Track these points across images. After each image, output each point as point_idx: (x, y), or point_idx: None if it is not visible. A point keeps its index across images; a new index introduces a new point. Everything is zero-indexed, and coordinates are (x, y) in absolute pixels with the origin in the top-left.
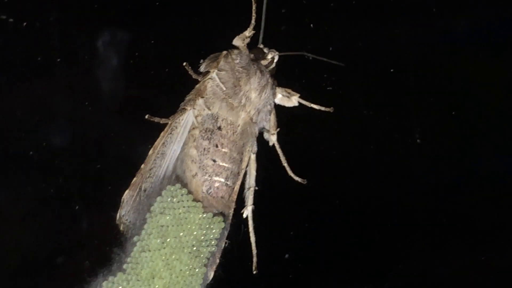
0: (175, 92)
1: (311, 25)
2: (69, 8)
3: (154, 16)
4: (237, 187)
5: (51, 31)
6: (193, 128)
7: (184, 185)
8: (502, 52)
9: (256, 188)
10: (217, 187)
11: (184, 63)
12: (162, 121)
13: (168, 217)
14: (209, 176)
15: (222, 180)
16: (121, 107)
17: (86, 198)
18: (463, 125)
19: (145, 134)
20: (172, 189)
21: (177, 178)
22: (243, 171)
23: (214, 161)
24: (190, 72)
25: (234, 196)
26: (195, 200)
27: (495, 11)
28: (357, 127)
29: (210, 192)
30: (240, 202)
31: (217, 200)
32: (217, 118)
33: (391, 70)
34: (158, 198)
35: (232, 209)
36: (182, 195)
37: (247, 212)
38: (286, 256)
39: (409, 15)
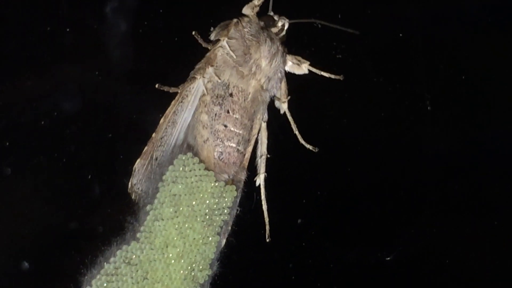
0: (185, 61)
1: None
2: None
3: None
4: (248, 155)
5: (60, 0)
6: (204, 95)
7: (195, 151)
8: None
9: (268, 156)
10: (229, 153)
11: (194, 32)
12: (172, 89)
13: (180, 186)
14: (220, 141)
15: (234, 145)
16: (132, 76)
17: (98, 167)
18: (474, 92)
19: (155, 102)
20: (183, 158)
21: (189, 146)
22: (254, 138)
23: (226, 126)
24: (200, 40)
25: (246, 164)
26: (206, 168)
27: None
28: (367, 95)
29: (222, 158)
30: (252, 170)
31: (228, 165)
32: (228, 85)
33: (401, 35)
34: (170, 167)
35: (244, 177)
36: (194, 163)
37: (259, 180)
38: (299, 221)
39: None
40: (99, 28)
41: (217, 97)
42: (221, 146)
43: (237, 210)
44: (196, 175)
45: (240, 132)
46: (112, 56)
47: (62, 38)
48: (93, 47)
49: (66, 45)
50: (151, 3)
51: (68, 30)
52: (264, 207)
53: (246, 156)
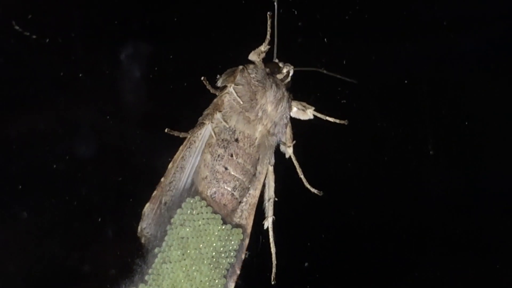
0: (193, 106)
1: (325, 39)
2: (90, 23)
3: (172, 31)
4: (255, 200)
5: (73, 46)
6: (211, 138)
7: (198, 187)
8: None
9: (276, 199)
10: (222, 194)
11: (202, 78)
12: (182, 135)
13: (188, 229)
14: (217, 181)
15: (229, 189)
16: (142, 121)
17: (109, 211)
18: (476, 136)
19: (165, 147)
20: (191, 201)
21: (196, 190)
22: (261, 182)
23: (226, 168)
24: (208, 86)
25: (253, 206)
26: (214, 212)
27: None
28: (371, 139)
29: (213, 197)
30: (260, 213)
31: (219, 206)
32: (235, 130)
33: (405, 82)
34: (178, 211)
35: (249, 223)
36: (201, 207)
37: (268, 223)
38: (305, 264)
39: (421, 29)
40: (112, 73)
41: (222, 140)
42: (216, 186)
43: (245, 253)
44: (203, 218)
45: (240, 177)
46: (123, 101)
47: (75, 83)
48: (105, 92)
49: (79, 90)
50: (162, 49)
51: (81, 75)
52: (273, 250)
53: (253, 201)
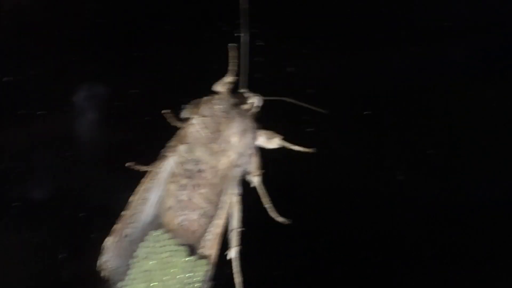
0: (157, 139)
1: (289, 69)
2: (48, 62)
3: (135, 64)
4: (219, 229)
5: (31, 85)
6: (175, 169)
7: (160, 219)
8: (480, 88)
9: (241, 229)
10: (190, 221)
11: (163, 111)
12: (143, 168)
13: (152, 262)
14: (182, 210)
15: (195, 217)
16: (103, 156)
17: (70, 247)
18: (443, 162)
19: (127, 181)
20: (155, 234)
21: (160, 222)
22: (225, 213)
23: (190, 198)
24: (170, 119)
25: (217, 237)
26: (178, 244)
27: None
28: (338, 166)
29: (182, 225)
30: (225, 244)
31: (189, 233)
32: (199, 161)
33: (369, 112)
34: (142, 244)
35: (213, 253)
36: (165, 239)
37: (232, 253)
38: None
39: (386, 58)
40: (69, 111)
41: (186, 170)
42: (183, 214)
43: (211, 284)
44: (167, 251)
45: (204, 206)
46: (82, 137)
47: (33, 121)
48: (64, 129)
49: (36, 128)
50: (120, 86)
51: (38, 113)
52: (238, 280)
53: (218, 231)
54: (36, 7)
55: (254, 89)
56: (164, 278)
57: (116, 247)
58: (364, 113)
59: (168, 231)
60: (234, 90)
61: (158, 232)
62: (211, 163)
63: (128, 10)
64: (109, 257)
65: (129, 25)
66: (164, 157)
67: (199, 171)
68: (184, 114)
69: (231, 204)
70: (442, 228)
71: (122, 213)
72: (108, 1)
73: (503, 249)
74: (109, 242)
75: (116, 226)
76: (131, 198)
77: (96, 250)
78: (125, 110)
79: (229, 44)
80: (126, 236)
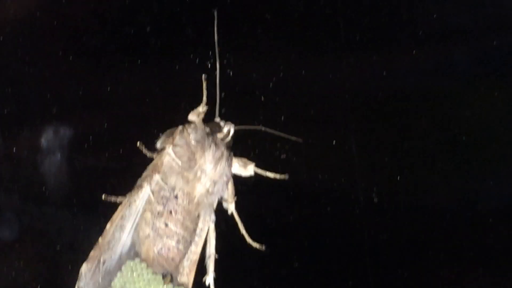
0: (132, 169)
1: (262, 98)
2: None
3: (108, 96)
4: (196, 256)
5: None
6: (150, 196)
7: (137, 247)
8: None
9: (217, 256)
10: (168, 248)
11: (138, 143)
12: (119, 199)
13: None
14: (160, 238)
15: (173, 243)
16: (79, 187)
17: (46, 279)
18: (415, 181)
19: (104, 210)
20: (131, 264)
21: (137, 251)
22: (202, 240)
23: (166, 225)
24: (144, 151)
25: (193, 264)
26: (154, 272)
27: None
28: (312, 192)
29: (160, 253)
30: (202, 270)
31: (167, 260)
32: (174, 188)
33: (333, 142)
34: (118, 274)
35: (190, 281)
36: (142, 269)
37: (209, 280)
38: None
39: (358, 85)
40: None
41: (162, 198)
42: (161, 242)
43: None
44: (144, 280)
45: (181, 232)
46: (50, 181)
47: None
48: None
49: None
50: (95, 119)
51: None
52: None
53: (193, 258)
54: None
55: (227, 118)
56: None
57: (93, 274)
58: (333, 143)
59: (145, 259)
60: (208, 119)
61: (135, 261)
62: (187, 190)
63: (103, 44)
64: (85, 283)
65: (103, 59)
66: (139, 186)
67: (175, 197)
68: (159, 144)
69: (207, 231)
70: (419, 255)
71: (99, 240)
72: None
73: None
74: (85, 268)
75: (93, 253)
76: (107, 225)
77: (73, 279)
78: (100, 142)
79: (203, 75)
80: (103, 263)
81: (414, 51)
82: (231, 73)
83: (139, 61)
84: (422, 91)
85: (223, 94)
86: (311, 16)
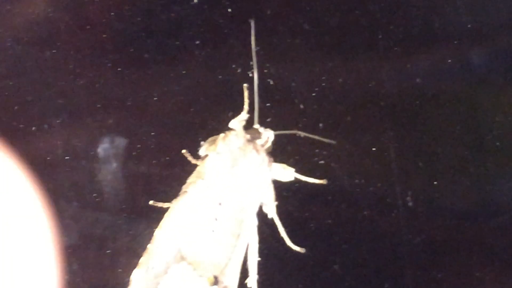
0: (178, 176)
1: (301, 106)
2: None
3: (153, 106)
4: (239, 259)
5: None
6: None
7: (183, 251)
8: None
9: (259, 259)
10: (213, 252)
11: (183, 150)
12: (166, 205)
13: None
14: (204, 242)
15: (218, 248)
16: (127, 193)
17: (100, 283)
18: (450, 186)
19: (153, 217)
20: (178, 266)
21: (183, 255)
22: (245, 243)
23: (211, 230)
24: (189, 158)
25: (237, 267)
26: (200, 275)
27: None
28: (350, 196)
29: (206, 256)
30: (244, 273)
31: (212, 264)
32: (218, 195)
33: (375, 147)
34: (166, 276)
35: (235, 283)
36: (188, 272)
37: (251, 282)
38: None
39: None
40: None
41: (206, 204)
42: (206, 246)
43: None
44: (190, 283)
45: (225, 237)
46: (104, 188)
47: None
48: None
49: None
50: (140, 129)
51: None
52: None
53: (237, 260)
54: None
55: (266, 125)
56: None
57: (143, 280)
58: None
59: (191, 263)
60: (248, 126)
61: (182, 264)
62: (230, 196)
63: (150, 56)
64: None
65: (150, 70)
66: (184, 193)
67: (218, 204)
68: (202, 151)
69: (250, 235)
70: (454, 257)
71: (148, 246)
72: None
73: None
74: (136, 274)
75: (143, 259)
76: (156, 231)
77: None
78: (146, 151)
79: (244, 84)
80: (152, 268)
81: (450, 59)
82: (270, 82)
83: (184, 71)
84: (458, 96)
85: (262, 102)
86: (347, 25)
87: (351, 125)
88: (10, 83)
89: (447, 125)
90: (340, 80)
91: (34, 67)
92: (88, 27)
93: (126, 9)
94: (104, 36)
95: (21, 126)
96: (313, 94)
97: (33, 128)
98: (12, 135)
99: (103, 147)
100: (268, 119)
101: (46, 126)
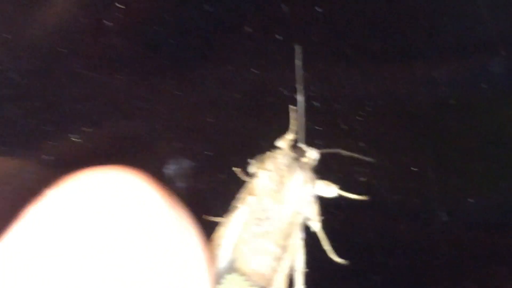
0: (229, 192)
1: (344, 126)
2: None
3: (208, 129)
4: (286, 271)
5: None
6: (246, 217)
7: (235, 262)
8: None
9: (305, 270)
10: (262, 264)
11: (234, 168)
12: (217, 219)
13: None
14: (255, 254)
15: (267, 259)
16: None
17: None
18: (485, 202)
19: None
20: (230, 276)
21: (235, 266)
22: (290, 256)
23: (261, 243)
24: (240, 175)
25: (284, 278)
26: (251, 285)
27: None
28: (388, 210)
29: (255, 268)
30: (291, 284)
31: (261, 275)
32: (266, 210)
33: (413, 169)
34: (218, 286)
35: None
36: (239, 281)
37: None
38: None
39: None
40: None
41: (256, 218)
42: (255, 258)
43: None
44: None
45: (274, 249)
46: None
47: None
48: None
49: None
50: (195, 148)
51: None
52: None
53: (285, 272)
54: None
55: (311, 144)
56: None
57: None
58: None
59: (241, 274)
60: (294, 145)
61: (233, 275)
62: (277, 211)
63: (197, 81)
64: None
65: (199, 94)
66: (235, 208)
67: (267, 218)
68: (251, 169)
69: (296, 247)
70: (490, 271)
71: None
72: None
73: None
74: None
75: None
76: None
77: None
78: (200, 169)
79: (290, 106)
80: None
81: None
82: (314, 104)
83: (237, 95)
84: (494, 115)
85: (307, 123)
86: (387, 50)
87: (390, 145)
88: None
89: (479, 141)
90: (380, 102)
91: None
92: (142, 49)
93: (180, 34)
94: (164, 61)
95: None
96: (356, 117)
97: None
98: None
99: (168, 167)
100: (313, 139)
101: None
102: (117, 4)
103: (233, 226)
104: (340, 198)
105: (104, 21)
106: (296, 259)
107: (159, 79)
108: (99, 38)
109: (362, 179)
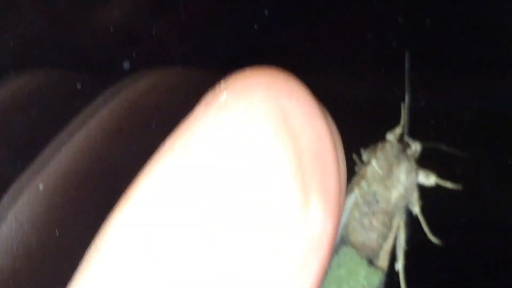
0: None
1: (445, 123)
2: None
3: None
4: (390, 247)
5: None
6: (358, 199)
7: (347, 237)
8: None
9: (406, 248)
10: (370, 240)
11: (353, 155)
12: None
13: (343, 271)
14: (365, 231)
15: (374, 236)
16: None
17: None
18: None
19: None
20: (345, 248)
21: (349, 240)
22: (394, 234)
23: (370, 222)
24: (358, 162)
25: (388, 253)
26: (361, 257)
27: None
28: (480, 199)
29: (364, 242)
30: (393, 258)
31: (369, 249)
32: (376, 193)
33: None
34: (335, 256)
35: (386, 265)
36: (352, 253)
37: (399, 266)
38: None
39: None
40: None
41: (366, 201)
42: (365, 235)
43: None
44: (354, 262)
45: (380, 228)
46: None
47: None
48: None
49: None
50: None
51: None
52: (403, 286)
53: (389, 248)
54: None
55: (415, 137)
56: (351, 283)
57: None
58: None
59: (353, 247)
60: (401, 138)
61: (347, 247)
62: (385, 195)
63: None
64: None
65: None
66: (351, 189)
67: (376, 201)
68: (364, 157)
69: (399, 227)
70: None
71: None
72: None
73: None
74: None
75: None
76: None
77: None
78: None
79: (401, 104)
80: None
81: None
82: (422, 103)
83: (357, 92)
84: None
85: (414, 119)
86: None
87: (485, 141)
88: None
89: None
90: (476, 104)
91: None
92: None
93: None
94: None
95: None
96: (456, 114)
97: None
98: None
99: None
100: (418, 134)
101: None
102: None
103: (347, 206)
104: (437, 186)
105: None
106: (399, 237)
107: None
108: None
109: (459, 170)
